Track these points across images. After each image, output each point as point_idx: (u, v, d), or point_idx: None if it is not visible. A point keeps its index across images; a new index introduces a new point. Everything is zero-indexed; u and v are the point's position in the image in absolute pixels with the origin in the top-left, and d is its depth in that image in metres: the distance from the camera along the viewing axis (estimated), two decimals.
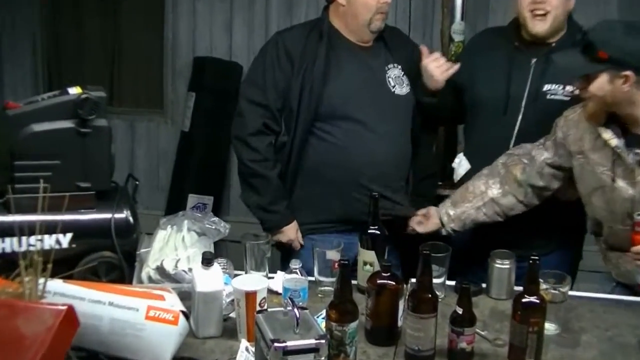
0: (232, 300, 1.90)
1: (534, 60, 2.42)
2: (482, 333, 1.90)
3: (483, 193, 2.36)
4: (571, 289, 2.03)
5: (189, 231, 2.18)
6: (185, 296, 1.88)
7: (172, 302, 1.74)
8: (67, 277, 1.70)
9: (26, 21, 4.77)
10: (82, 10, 4.82)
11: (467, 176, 2.51)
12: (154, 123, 4.81)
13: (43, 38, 4.83)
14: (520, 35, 2.45)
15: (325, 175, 2.49)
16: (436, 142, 3.18)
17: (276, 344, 1.50)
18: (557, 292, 1.93)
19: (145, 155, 4.85)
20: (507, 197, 2.34)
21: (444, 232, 2.43)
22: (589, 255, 2.54)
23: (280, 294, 2.02)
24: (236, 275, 2.06)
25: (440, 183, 3.11)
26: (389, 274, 1.86)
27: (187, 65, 4.63)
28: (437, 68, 2.43)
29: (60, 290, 1.66)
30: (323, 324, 1.76)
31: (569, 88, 2.35)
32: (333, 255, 2.10)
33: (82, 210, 1.92)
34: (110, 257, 1.91)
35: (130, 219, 1.96)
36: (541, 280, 1.83)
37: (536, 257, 1.75)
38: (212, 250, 2.11)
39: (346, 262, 1.75)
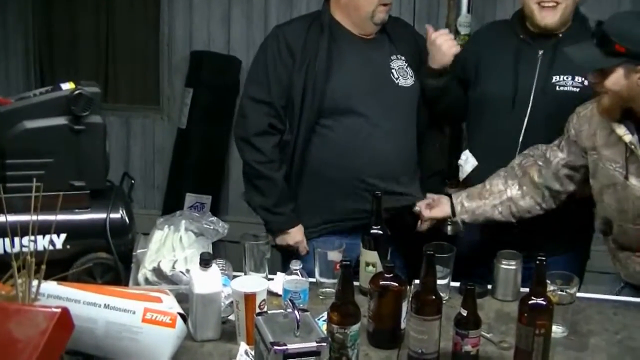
0: (231, 302, 1.89)
1: (541, 52, 2.40)
2: (488, 335, 1.89)
3: (501, 192, 2.33)
4: (579, 290, 2.01)
5: (187, 231, 2.17)
6: (183, 298, 1.87)
7: (170, 305, 1.73)
8: (62, 279, 1.69)
9: (18, 15, 4.73)
10: (75, 3, 4.78)
11: (474, 173, 2.49)
12: (149, 120, 4.78)
13: (35, 32, 4.79)
14: (525, 27, 2.43)
15: (329, 173, 2.46)
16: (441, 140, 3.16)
17: (276, 347, 1.50)
18: (564, 293, 1.91)
19: (141, 153, 4.82)
20: (525, 198, 2.32)
21: (449, 231, 2.41)
22: (597, 256, 2.52)
23: (280, 295, 2.00)
24: (235, 276, 2.04)
25: (446, 181, 3.08)
26: (391, 275, 1.85)
27: (183, 59, 4.59)
28: (446, 42, 2.41)
29: (54, 293, 1.65)
30: (324, 327, 1.75)
31: (578, 79, 2.33)
32: (335, 256, 2.08)
33: (77, 210, 1.90)
34: (106, 258, 1.89)
35: (126, 218, 1.94)
36: (548, 281, 1.81)
37: (543, 258, 1.73)
38: (210, 251, 2.10)
39: (348, 262, 1.74)
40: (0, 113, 1.86)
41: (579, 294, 1.99)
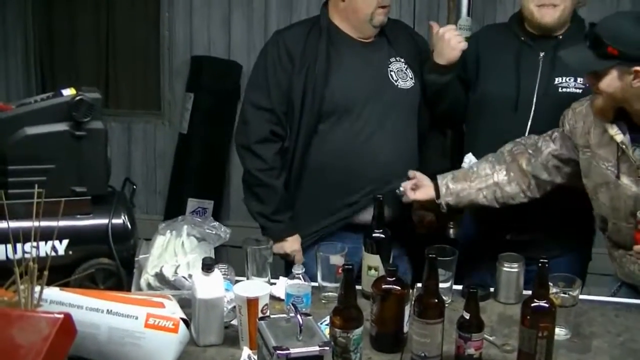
0: (234, 307, 1.88)
1: (542, 54, 2.39)
2: (490, 338, 1.88)
3: (488, 176, 2.31)
4: (581, 292, 2.00)
5: (189, 236, 2.16)
6: (186, 303, 1.86)
7: (172, 310, 1.72)
8: (64, 285, 1.69)
9: (18, 13, 4.72)
10: (75, 8, 4.78)
11: None
12: (151, 125, 4.78)
13: (35, 38, 4.79)
14: (525, 29, 2.43)
15: (329, 177, 2.46)
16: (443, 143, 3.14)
17: (279, 352, 1.50)
18: (567, 295, 1.90)
19: (142, 158, 4.82)
20: (511, 184, 2.30)
21: (451, 234, 2.39)
22: (598, 258, 2.51)
23: (282, 300, 2.00)
24: (237, 281, 2.04)
25: None
26: (394, 278, 1.84)
27: (184, 64, 4.60)
28: (455, 36, 2.40)
29: (56, 299, 1.65)
30: (327, 331, 1.75)
31: (580, 80, 2.33)
32: (337, 260, 2.07)
33: (78, 216, 1.91)
34: (108, 264, 1.89)
35: (128, 224, 1.94)
36: (551, 283, 1.80)
37: (545, 260, 1.72)
38: (212, 255, 2.08)
39: (350, 266, 1.74)
40: (2, 119, 1.87)
41: (581, 296, 1.98)
